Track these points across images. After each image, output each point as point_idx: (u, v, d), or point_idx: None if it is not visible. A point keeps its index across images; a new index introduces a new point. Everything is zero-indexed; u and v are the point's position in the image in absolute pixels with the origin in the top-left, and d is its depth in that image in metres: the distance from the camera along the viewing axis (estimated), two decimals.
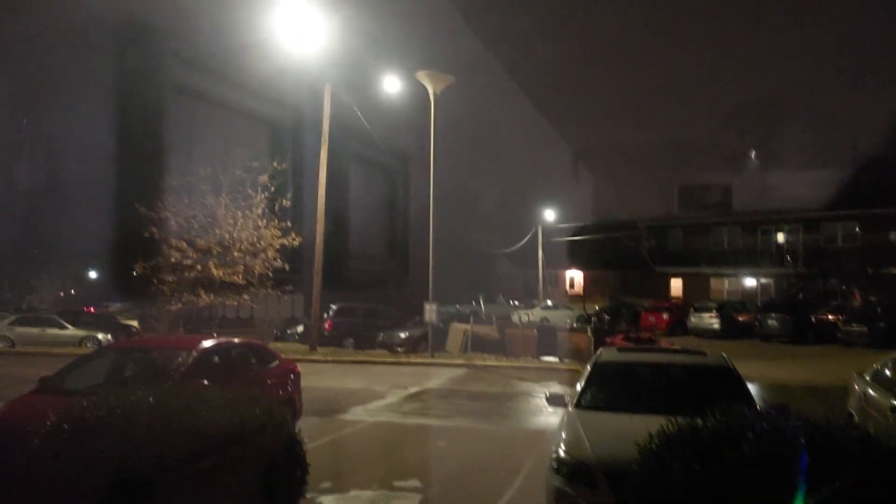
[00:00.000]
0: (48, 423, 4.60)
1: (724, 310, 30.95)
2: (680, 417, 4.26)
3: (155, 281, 21.21)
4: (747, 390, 6.72)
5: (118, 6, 25.68)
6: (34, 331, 23.63)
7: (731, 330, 29.32)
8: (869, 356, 12.28)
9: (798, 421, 4.03)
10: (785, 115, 48.50)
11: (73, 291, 31.28)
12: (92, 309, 29.55)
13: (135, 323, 26.71)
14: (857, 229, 37.15)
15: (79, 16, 25.63)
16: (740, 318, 30.37)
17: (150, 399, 4.85)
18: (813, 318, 27.82)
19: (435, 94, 21.46)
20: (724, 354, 7.65)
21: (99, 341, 23.00)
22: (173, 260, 21.00)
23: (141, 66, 26.76)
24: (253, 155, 23.32)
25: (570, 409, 6.63)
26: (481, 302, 37.47)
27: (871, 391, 8.41)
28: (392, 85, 23.98)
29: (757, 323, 28.92)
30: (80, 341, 23.16)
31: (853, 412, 8.75)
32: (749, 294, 39.28)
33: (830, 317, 27.64)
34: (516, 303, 41.85)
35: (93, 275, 32.49)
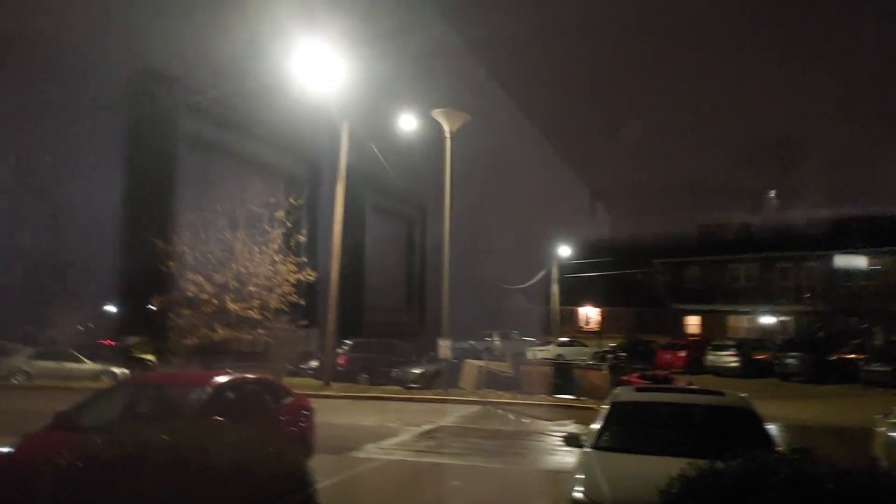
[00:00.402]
0: (61, 460, 4.59)
1: (742, 348, 30.50)
2: (700, 460, 4.18)
3: (171, 315, 21.32)
4: (768, 433, 6.59)
5: (136, 56, 26.49)
6: (52, 364, 23.73)
7: (749, 368, 28.85)
8: (892, 397, 12.03)
9: (822, 466, 3.94)
10: (803, 152, 48.40)
11: (90, 325, 31.45)
12: (111, 342, 29.76)
13: (151, 357, 26.74)
14: (877, 267, 36.71)
15: (105, 66, 26.42)
16: (759, 357, 29.92)
17: (163, 437, 4.83)
18: (833, 357, 27.38)
19: (451, 132, 21.66)
20: (745, 394, 7.52)
21: (115, 375, 23.03)
22: (190, 294, 21.13)
23: (160, 108, 27.36)
24: (269, 192, 23.57)
25: (587, 449, 6.52)
26: (496, 338, 37.27)
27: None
28: (408, 123, 24.26)
29: (776, 361, 28.49)
30: (97, 375, 23.19)
31: (878, 456, 8.54)
32: (767, 332, 38.79)
33: (851, 356, 27.20)
34: (531, 339, 41.53)
35: (111, 308, 32.69)
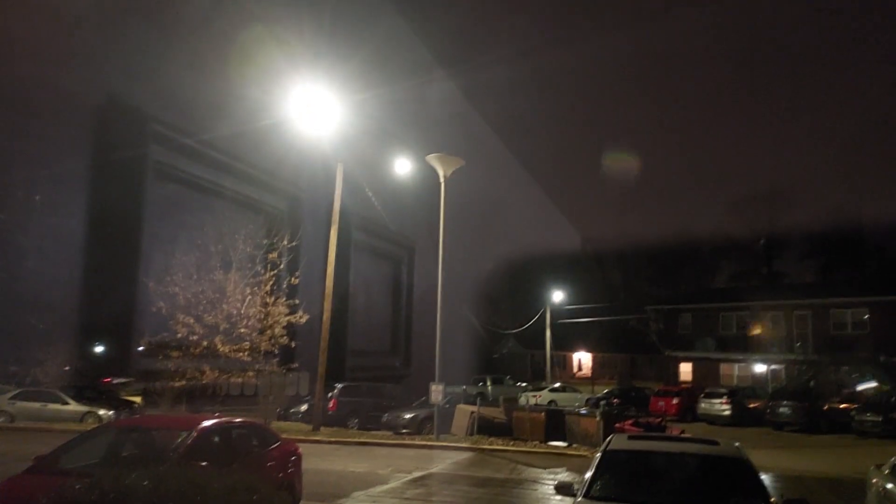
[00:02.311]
0: None
1: (734, 396, 30.35)
2: None
3: (160, 356, 21.10)
4: (762, 483, 6.49)
5: (132, 99, 26.86)
6: (35, 405, 23.32)
7: (742, 417, 28.67)
8: (885, 447, 11.95)
9: None
10: (793, 203, 49.01)
11: (76, 366, 31.05)
12: (109, 379, 29.56)
13: (138, 399, 26.36)
14: (867, 316, 36.82)
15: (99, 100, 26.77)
16: (751, 405, 29.76)
17: (144, 483, 4.72)
18: (825, 407, 27.26)
19: (445, 177, 21.78)
20: (738, 444, 7.44)
21: (100, 417, 22.66)
22: (180, 335, 20.95)
23: (151, 149, 27.62)
24: (262, 234, 23.60)
25: (579, 499, 6.41)
26: (488, 383, 36.97)
27: (890, 486, 8.12)
28: (401, 167, 24.44)
29: (768, 410, 28.31)
30: (82, 417, 22.81)
31: None
32: (759, 380, 38.66)
33: (843, 405, 27.08)
34: (524, 384, 41.22)
35: (98, 349, 32.33)
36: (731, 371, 41.01)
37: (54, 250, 28.89)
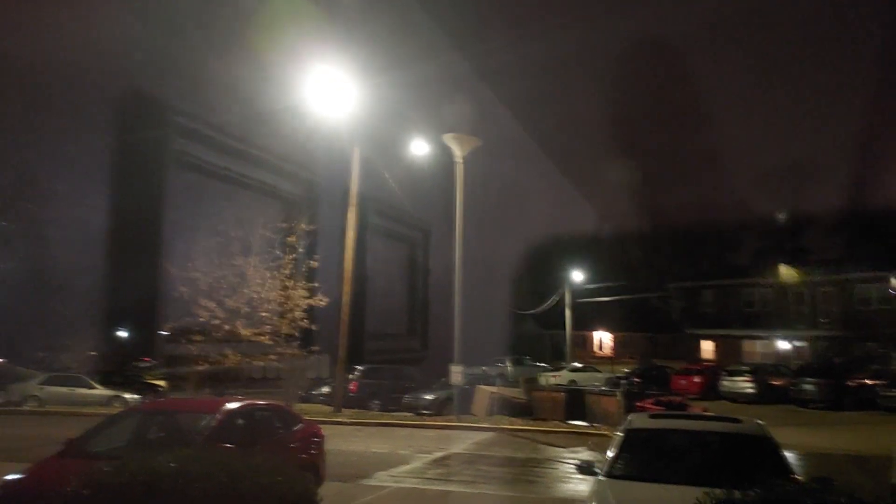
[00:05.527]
0: (70, 488, 4.55)
1: (757, 373, 30.11)
2: (717, 489, 4.09)
3: (183, 340, 21.32)
4: (786, 461, 6.45)
5: (150, 84, 27.02)
6: (63, 390, 23.81)
7: (765, 394, 28.43)
8: None
9: (842, 496, 3.84)
10: (817, 176, 48.20)
11: (102, 351, 31.58)
12: (147, 360, 30.15)
13: (162, 382, 26.78)
14: (893, 291, 36.32)
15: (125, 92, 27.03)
16: (775, 383, 29.51)
17: (171, 464, 4.78)
18: (851, 383, 26.97)
19: (461, 157, 21.69)
20: (761, 422, 7.39)
21: (126, 401, 23.06)
22: (202, 319, 21.15)
23: (172, 134, 27.81)
24: (280, 216, 23.70)
25: (600, 477, 6.41)
26: (508, 364, 37.02)
27: None
28: (417, 148, 24.34)
29: (792, 388, 28.08)
30: (108, 401, 23.23)
31: None
32: (783, 357, 38.37)
33: (869, 382, 26.78)
34: (543, 364, 41.24)
35: (123, 334, 32.83)
36: (754, 348, 40.75)
37: (78, 239, 29.32)
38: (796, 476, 6.06)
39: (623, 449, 6.76)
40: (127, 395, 23.78)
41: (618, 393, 20.61)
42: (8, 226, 29.20)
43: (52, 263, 30.11)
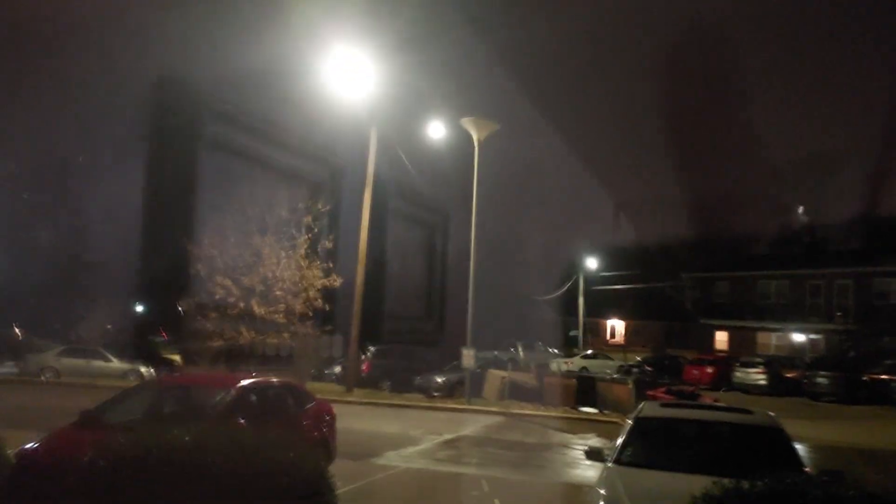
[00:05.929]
0: (85, 458, 4.63)
1: (771, 365, 29.96)
2: (726, 479, 4.09)
3: (199, 316, 21.54)
4: (797, 453, 6.43)
5: (172, 64, 27.25)
6: (80, 362, 24.13)
7: (778, 386, 28.31)
8: None
9: (853, 489, 3.83)
10: (836, 168, 47.56)
11: (118, 324, 32.03)
12: (164, 334, 30.62)
13: (177, 357, 27.09)
14: None
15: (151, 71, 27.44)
16: (788, 375, 29.36)
17: (186, 438, 4.85)
18: (865, 377, 26.77)
19: (479, 141, 21.60)
20: (773, 413, 7.36)
21: (141, 375, 23.35)
22: (217, 296, 21.34)
23: (190, 114, 28.05)
24: (296, 197, 23.79)
25: (609, 464, 6.43)
26: (520, 349, 37.05)
27: None
28: (435, 131, 24.27)
29: (806, 380, 27.93)
30: (124, 374, 23.53)
31: None
32: (797, 350, 38.11)
33: (884, 376, 26.57)
34: (555, 350, 41.23)
35: (139, 308, 33.25)
36: (769, 340, 40.48)
37: (108, 216, 29.94)
38: (806, 468, 6.04)
39: (633, 436, 6.76)
40: (143, 369, 24.08)
41: (629, 381, 20.60)
42: (49, 202, 29.95)
43: (83, 237, 30.83)
